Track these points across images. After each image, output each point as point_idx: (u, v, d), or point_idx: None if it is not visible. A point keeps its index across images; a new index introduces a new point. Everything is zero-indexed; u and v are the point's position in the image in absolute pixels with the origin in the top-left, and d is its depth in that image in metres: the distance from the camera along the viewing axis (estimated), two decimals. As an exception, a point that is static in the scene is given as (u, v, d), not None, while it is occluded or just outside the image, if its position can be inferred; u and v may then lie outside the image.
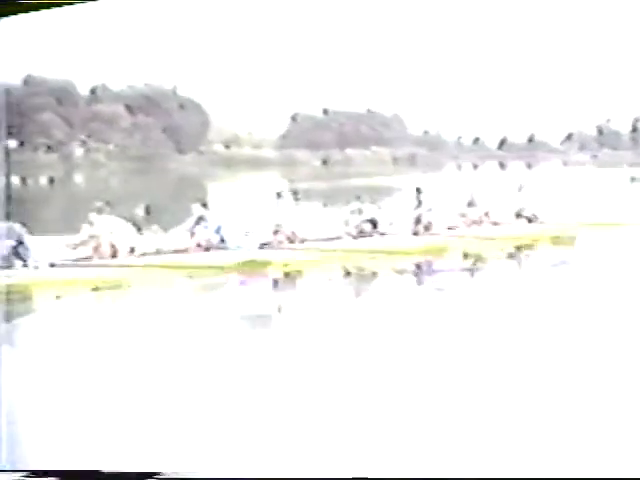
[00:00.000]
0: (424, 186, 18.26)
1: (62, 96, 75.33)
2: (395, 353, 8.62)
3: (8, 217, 12.06)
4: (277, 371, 7.97)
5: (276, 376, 7.80)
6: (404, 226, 16.95)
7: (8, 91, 63.89)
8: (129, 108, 79.09)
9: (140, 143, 77.71)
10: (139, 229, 14.05)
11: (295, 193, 17.48)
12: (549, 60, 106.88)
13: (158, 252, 13.85)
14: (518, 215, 19.02)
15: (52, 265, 12.63)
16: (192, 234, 14.49)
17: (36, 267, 12.38)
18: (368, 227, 16.44)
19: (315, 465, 5.76)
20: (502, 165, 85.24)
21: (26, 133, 70.93)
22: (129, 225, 13.87)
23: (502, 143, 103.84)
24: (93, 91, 79.32)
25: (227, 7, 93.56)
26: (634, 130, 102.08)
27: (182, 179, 59.15)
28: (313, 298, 12.08)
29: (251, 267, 13.49)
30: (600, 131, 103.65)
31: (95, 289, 12.22)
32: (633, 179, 52.07)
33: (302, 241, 15.29)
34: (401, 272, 14.22)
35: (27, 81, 74.27)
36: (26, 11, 4.82)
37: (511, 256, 16.28)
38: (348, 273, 14.27)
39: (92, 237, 13.38)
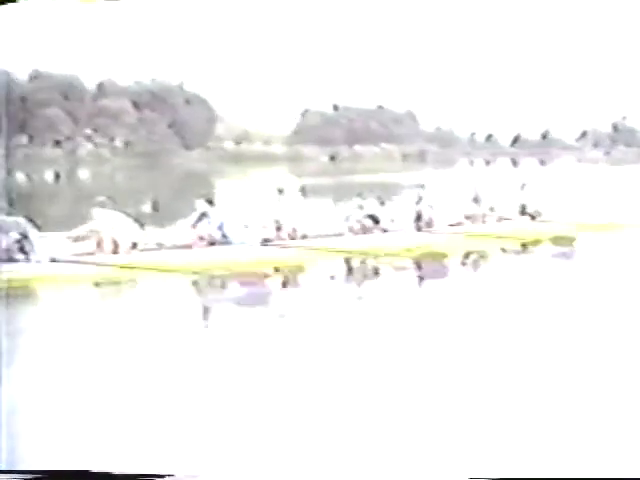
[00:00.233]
0: (431, 183, 18.19)
1: (68, 91, 75.34)
2: (397, 350, 8.63)
3: (13, 211, 12.08)
4: (278, 369, 7.98)
5: (278, 374, 7.81)
6: (406, 222, 16.89)
7: (14, 86, 64.10)
8: (135, 103, 79.08)
9: (146, 139, 77.67)
10: (142, 225, 14.03)
11: (302, 189, 17.47)
12: (565, 57, 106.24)
13: (160, 247, 13.85)
14: (523, 212, 18.95)
15: (53, 260, 12.65)
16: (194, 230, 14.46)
17: (38, 262, 12.40)
18: (369, 223, 16.39)
19: (318, 464, 5.76)
20: (514, 162, 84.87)
21: (32, 128, 71.00)
22: (132, 220, 13.85)
23: (515, 140, 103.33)
24: (99, 86, 79.30)
25: (235, 1, 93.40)
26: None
27: (188, 175, 59.11)
28: (313, 295, 12.08)
29: (254, 266, 13.46)
30: (615, 128, 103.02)
31: (97, 284, 12.24)
32: None
33: (303, 237, 15.26)
34: (401, 269, 14.20)
35: (33, 76, 74.33)
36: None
37: (514, 253, 16.25)
38: (349, 270, 14.25)
39: (93, 232, 13.38)
